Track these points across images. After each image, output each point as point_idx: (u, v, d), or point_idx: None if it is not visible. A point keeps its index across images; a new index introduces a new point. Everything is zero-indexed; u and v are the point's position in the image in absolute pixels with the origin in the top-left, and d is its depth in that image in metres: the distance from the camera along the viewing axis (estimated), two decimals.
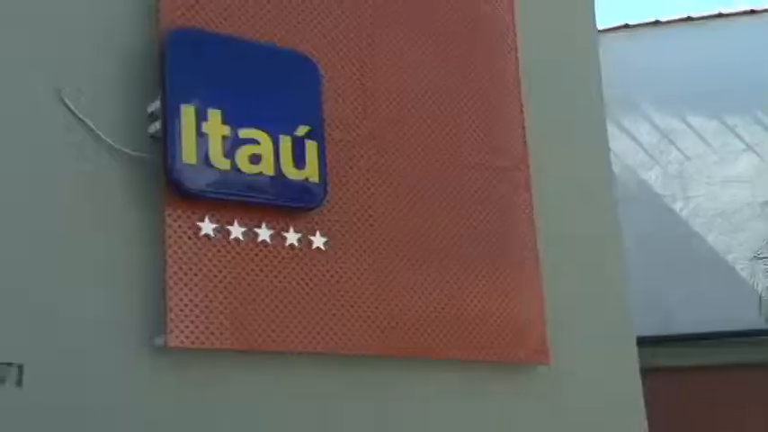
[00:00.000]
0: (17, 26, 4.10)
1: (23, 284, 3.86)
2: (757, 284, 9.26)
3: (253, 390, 4.29)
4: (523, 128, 5.33)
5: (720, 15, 10.39)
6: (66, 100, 4.09)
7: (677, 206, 9.81)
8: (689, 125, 10.01)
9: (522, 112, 5.36)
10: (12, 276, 3.84)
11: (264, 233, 4.32)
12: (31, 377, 3.75)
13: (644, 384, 5.67)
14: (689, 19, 10.31)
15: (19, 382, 3.73)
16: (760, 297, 9.07)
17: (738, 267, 9.53)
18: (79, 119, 4.10)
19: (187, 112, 4.16)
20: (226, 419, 4.19)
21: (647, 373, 5.72)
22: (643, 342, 5.85)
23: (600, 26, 6.30)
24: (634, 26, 10.17)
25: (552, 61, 5.64)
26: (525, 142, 5.32)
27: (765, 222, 9.59)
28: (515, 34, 5.47)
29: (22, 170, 3.97)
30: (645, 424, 5.60)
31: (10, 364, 3.72)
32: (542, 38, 5.60)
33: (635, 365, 5.67)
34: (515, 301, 5.03)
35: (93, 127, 4.11)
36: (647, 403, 5.64)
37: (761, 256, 9.22)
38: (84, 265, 4.03)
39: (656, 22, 10.25)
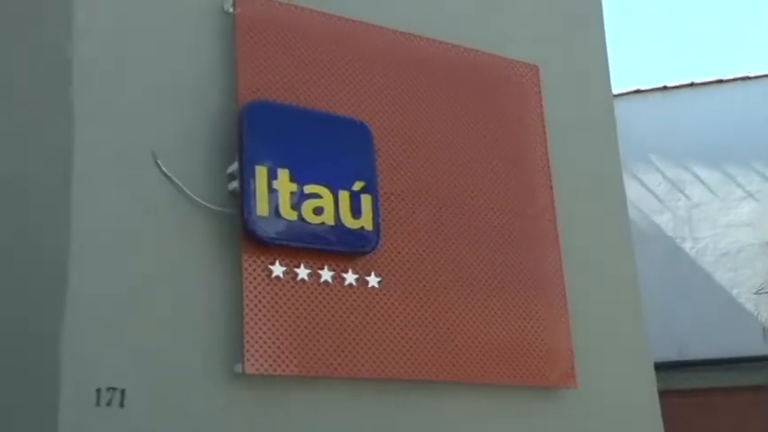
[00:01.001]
0: (120, 101, 4.19)
1: (125, 321, 3.91)
2: (760, 316, 9.12)
3: (317, 411, 4.27)
4: (550, 180, 5.30)
5: (720, 81, 10.37)
6: (160, 163, 4.16)
7: (687, 246, 9.70)
8: (695, 175, 9.95)
9: (548, 166, 5.33)
10: (115, 314, 3.90)
11: (326, 274, 4.33)
12: (132, 399, 3.80)
13: (661, 405, 5.52)
14: (692, 85, 10.31)
15: (122, 404, 3.78)
16: (763, 327, 8.94)
17: (743, 301, 9.38)
18: (171, 179, 4.17)
19: (260, 172, 4.20)
20: None
21: (663, 395, 5.58)
22: (660, 367, 5.73)
23: (615, 91, 6.23)
24: (645, 91, 10.14)
25: (575, 123, 5.61)
26: (552, 193, 5.28)
27: (766, 261, 9.43)
28: (542, 101, 5.45)
29: (124, 224, 4.04)
30: None
31: (115, 389, 3.77)
32: (566, 103, 5.58)
33: (653, 389, 5.54)
34: (546, 333, 4.96)
35: (182, 186, 4.18)
36: (664, 422, 5.49)
37: (763, 290, 9.08)
38: (175, 303, 4.07)
39: (664, 88, 10.23)
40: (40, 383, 3.74)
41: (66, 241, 3.86)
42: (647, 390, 5.49)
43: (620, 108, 6.16)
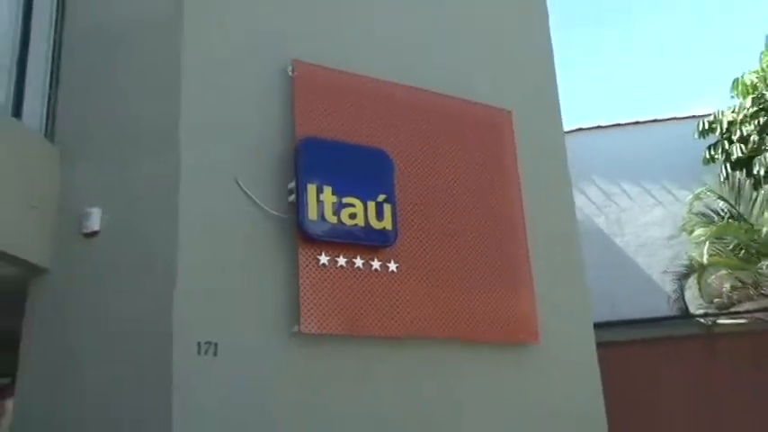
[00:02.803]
0: (212, 138, 4.07)
1: (216, 295, 3.82)
2: (666, 288, 8.86)
3: (350, 358, 4.14)
4: (521, 193, 5.09)
5: (637, 122, 10.23)
6: (241, 183, 4.04)
7: (617, 240, 9.56)
8: (622, 189, 9.83)
9: (519, 183, 5.11)
10: (210, 291, 3.81)
11: (359, 262, 4.19)
12: (222, 350, 3.72)
13: (597, 353, 5.27)
14: (619, 125, 10.16)
15: (215, 353, 3.70)
16: (668, 296, 8.68)
17: (655, 278, 9.19)
18: (248, 195, 4.05)
19: (311, 188, 4.08)
20: (337, 379, 4.06)
21: (599, 345, 5.34)
22: (597, 325, 5.51)
23: (566, 129, 6.05)
24: (586, 128, 9.97)
25: (537, 155, 5.37)
26: (522, 202, 5.06)
27: (670, 250, 9.24)
28: (514, 137, 5.23)
29: (216, 226, 3.95)
30: (599, 377, 5.21)
31: (210, 343, 3.70)
32: (530, 137, 5.34)
33: (592, 341, 5.30)
34: (517, 302, 4.76)
35: (256, 199, 4.06)
36: (600, 365, 5.25)
37: (668, 271, 8.86)
38: (250, 283, 3.96)
39: (599, 127, 10.11)
40: (160, 340, 3.65)
41: (175, 240, 3.78)
42: (587, 342, 5.26)
43: (569, 141, 5.98)
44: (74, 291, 3.96)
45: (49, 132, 4.30)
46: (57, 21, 4.53)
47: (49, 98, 4.36)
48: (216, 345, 3.69)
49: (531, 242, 4.97)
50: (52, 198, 4.10)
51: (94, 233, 3.95)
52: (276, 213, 4.07)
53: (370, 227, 4.21)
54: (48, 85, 4.39)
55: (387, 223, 4.27)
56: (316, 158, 4.17)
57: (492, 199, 4.93)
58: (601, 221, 9.53)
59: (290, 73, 4.36)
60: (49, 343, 3.92)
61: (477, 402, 4.47)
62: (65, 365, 3.85)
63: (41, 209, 4.05)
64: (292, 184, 4.10)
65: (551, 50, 6.01)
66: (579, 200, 8.59)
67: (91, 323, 3.87)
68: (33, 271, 4.02)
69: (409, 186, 4.56)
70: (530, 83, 5.69)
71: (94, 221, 3.95)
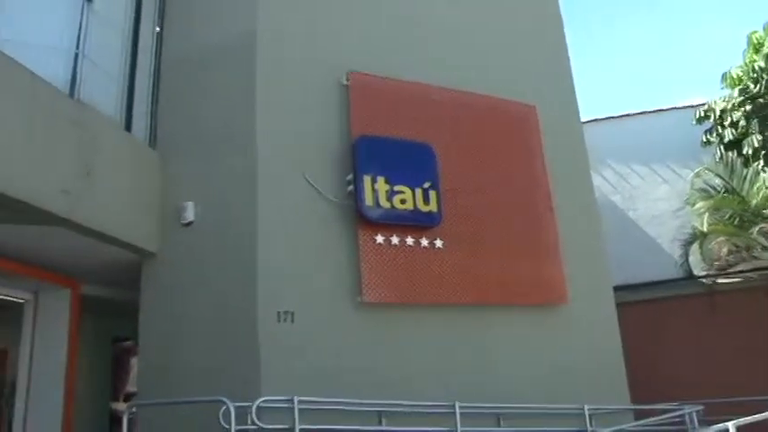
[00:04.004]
0: (282, 142, 3.94)
1: (292, 272, 3.73)
2: (674, 254, 8.30)
3: (406, 322, 3.99)
4: (547, 177, 4.78)
5: (644, 112, 9.59)
6: (308, 177, 3.93)
7: (630, 214, 9.04)
8: (633, 170, 9.27)
9: (545, 169, 4.81)
10: (286, 268, 3.73)
11: (410, 240, 4.04)
12: (298, 318, 3.65)
13: (618, 312, 4.95)
14: (628, 115, 9.55)
15: (292, 320, 3.65)
16: (676, 261, 8.13)
17: (665, 246, 8.64)
18: (314, 187, 3.94)
19: (367, 179, 3.95)
20: (394, 340, 3.91)
21: (617, 305, 5.02)
22: (615, 288, 5.20)
23: (583, 120, 5.67)
24: (601, 119, 9.40)
25: (559, 143, 5.02)
26: (549, 185, 4.76)
27: (677, 221, 8.64)
28: (540, 128, 4.92)
29: (288, 214, 3.85)
30: (618, 332, 4.90)
31: (288, 312, 3.64)
32: (553, 132, 4.99)
33: (612, 301, 4.98)
34: (548, 270, 4.50)
35: (320, 190, 3.95)
36: (620, 323, 4.92)
37: (675, 239, 8.30)
38: (319, 260, 3.86)
39: (610, 117, 9.52)
40: (247, 310, 3.60)
41: (255, 226, 3.71)
42: (609, 303, 4.96)
43: (586, 130, 5.64)
44: (176, 270, 3.96)
45: (152, 141, 4.31)
46: (156, 51, 4.54)
47: (151, 113, 4.38)
48: (293, 313, 3.62)
49: (557, 218, 4.67)
50: (156, 195, 4.11)
51: (190, 223, 3.96)
52: (338, 201, 3.94)
53: (419, 210, 4.04)
54: (150, 102, 4.40)
55: (432, 206, 4.08)
56: (370, 153, 4.01)
57: (522, 181, 4.67)
58: (616, 199, 9.02)
59: (345, 82, 4.21)
60: (160, 312, 3.95)
61: (515, 356, 4.26)
62: (172, 330, 3.86)
63: (148, 204, 4.05)
64: (350, 176, 3.96)
65: (568, 53, 5.67)
66: (597, 180, 8.13)
67: (191, 296, 3.86)
68: (144, 255, 4.05)
69: (451, 174, 4.33)
70: (551, 82, 5.34)
71: (190, 213, 3.96)
